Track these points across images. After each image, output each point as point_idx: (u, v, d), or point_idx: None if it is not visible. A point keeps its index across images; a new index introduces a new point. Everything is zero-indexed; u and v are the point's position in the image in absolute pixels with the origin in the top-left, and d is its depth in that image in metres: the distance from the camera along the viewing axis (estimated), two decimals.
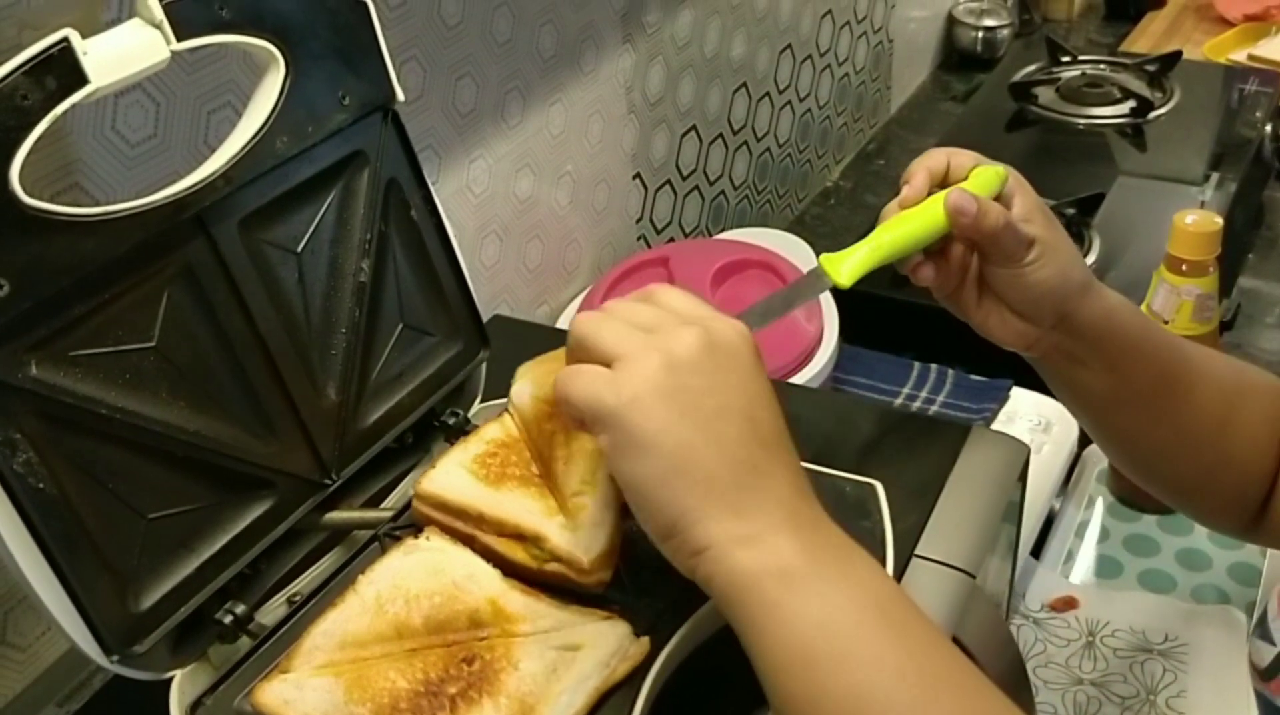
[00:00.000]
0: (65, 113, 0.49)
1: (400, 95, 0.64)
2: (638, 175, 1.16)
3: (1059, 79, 1.57)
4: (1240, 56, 1.69)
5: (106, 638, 0.52)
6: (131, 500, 0.54)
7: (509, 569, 0.56)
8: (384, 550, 0.59)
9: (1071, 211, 1.26)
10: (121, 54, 0.52)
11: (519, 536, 0.56)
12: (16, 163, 0.48)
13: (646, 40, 1.11)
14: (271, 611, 0.60)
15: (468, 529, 0.57)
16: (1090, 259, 1.21)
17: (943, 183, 0.65)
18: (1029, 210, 0.64)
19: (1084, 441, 1.02)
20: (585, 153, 1.07)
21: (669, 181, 1.21)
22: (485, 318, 0.72)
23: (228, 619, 0.58)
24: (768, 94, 1.35)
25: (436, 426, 0.69)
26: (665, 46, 1.15)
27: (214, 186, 0.55)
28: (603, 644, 0.53)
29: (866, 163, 1.58)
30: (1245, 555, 0.97)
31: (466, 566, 0.56)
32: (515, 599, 0.55)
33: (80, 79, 0.50)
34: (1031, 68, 1.61)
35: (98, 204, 0.52)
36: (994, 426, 1.03)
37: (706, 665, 0.55)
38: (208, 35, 0.54)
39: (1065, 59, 1.62)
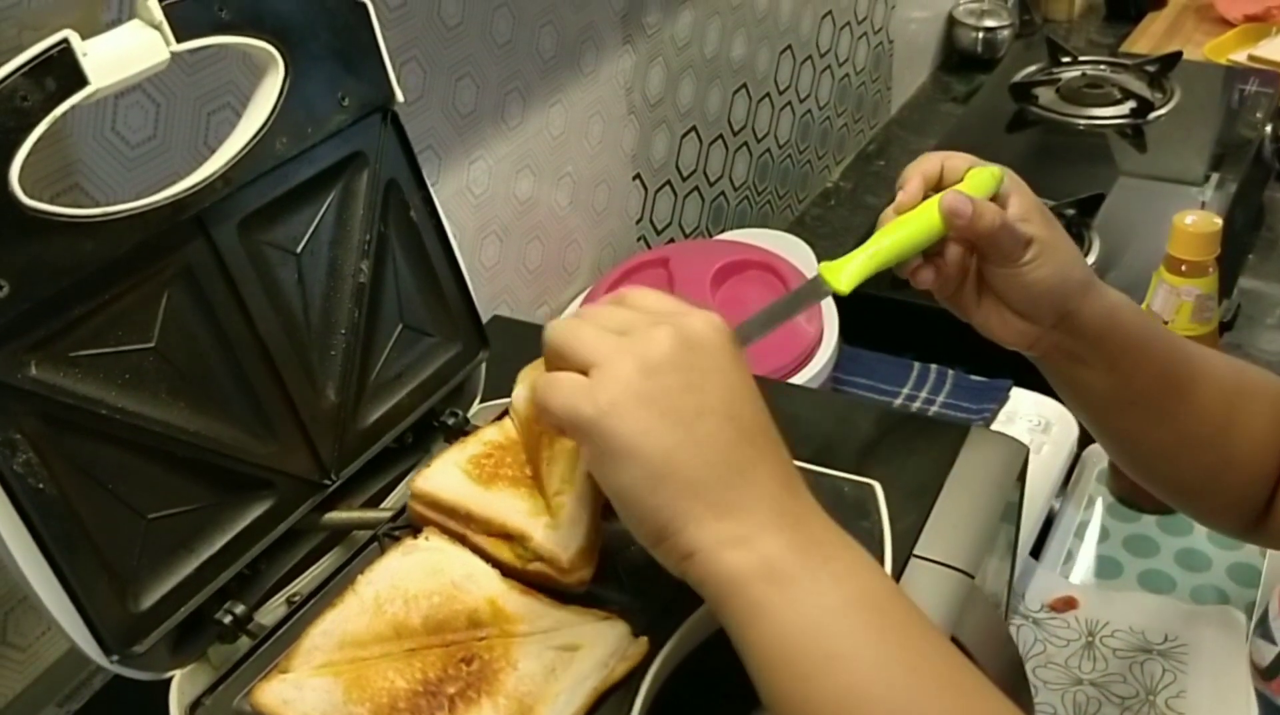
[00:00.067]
0: (65, 114, 0.50)
1: (400, 96, 0.64)
2: (638, 176, 1.16)
3: (1059, 80, 1.57)
4: (1241, 57, 1.69)
5: (106, 638, 0.52)
6: (131, 501, 0.54)
7: (498, 569, 0.56)
8: (383, 550, 0.60)
9: (1072, 212, 1.26)
10: (121, 55, 0.52)
11: (505, 536, 0.56)
12: (16, 164, 0.48)
13: (646, 41, 1.11)
14: (271, 612, 0.60)
15: (458, 527, 0.58)
16: (1090, 259, 1.21)
17: (938, 186, 0.65)
18: (1026, 209, 0.64)
19: (1084, 442, 1.03)
20: (585, 153, 1.08)
21: (669, 182, 1.22)
22: (485, 318, 0.72)
23: (227, 619, 0.58)
24: (768, 95, 1.35)
25: (436, 427, 0.69)
26: (665, 47, 1.15)
27: (213, 187, 0.56)
28: (601, 644, 0.53)
29: (867, 163, 1.59)
30: (1245, 556, 0.97)
31: (465, 567, 0.57)
32: (514, 599, 0.55)
33: (80, 80, 0.50)
34: (1032, 68, 1.61)
35: (98, 205, 0.52)
36: (994, 427, 1.03)
37: (704, 666, 0.55)
38: (207, 36, 0.55)
39: (1066, 60, 1.62)
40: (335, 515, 0.64)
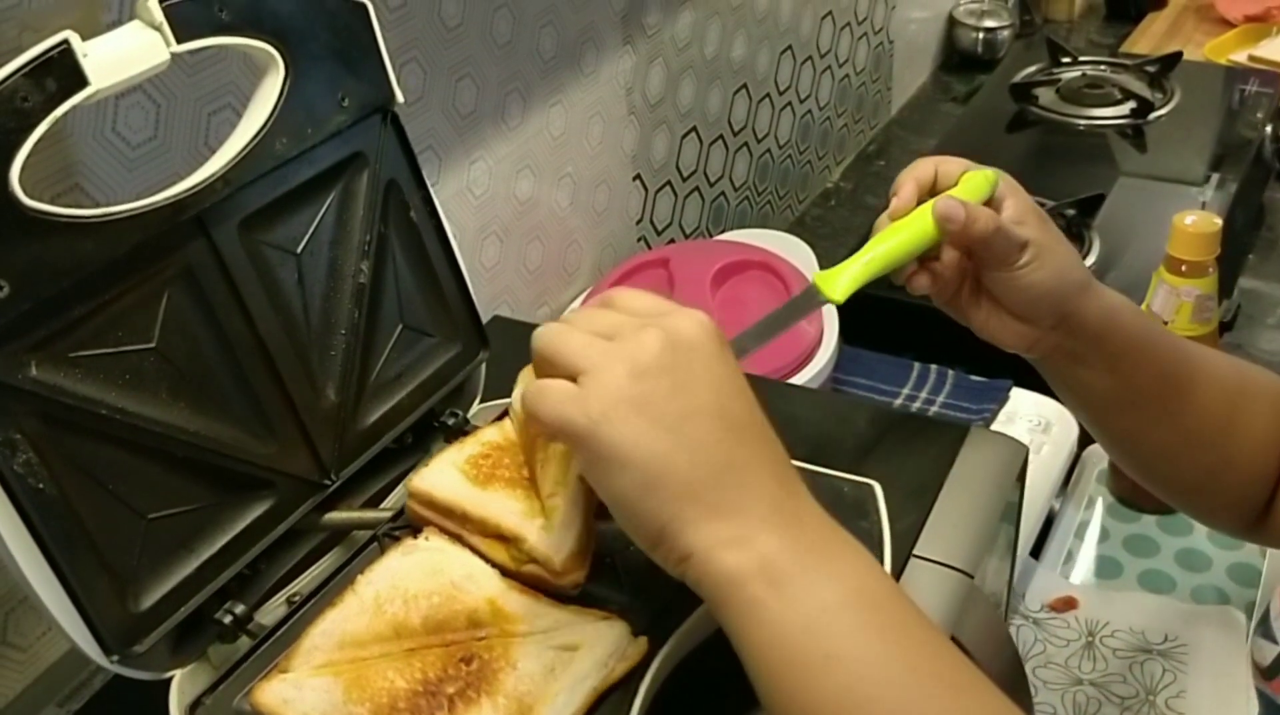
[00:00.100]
0: (65, 114, 0.50)
1: (400, 97, 0.64)
2: (638, 176, 1.16)
3: (1059, 80, 1.57)
4: (1241, 57, 1.69)
5: (106, 638, 0.52)
6: (131, 501, 0.54)
7: (495, 569, 0.57)
8: (383, 551, 0.60)
9: (1072, 212, 1.26)
10: (121, 56, 0.52)
11: (501, 537, 0.56)
12: (17, 164, 0.48)
13: (647, 41, 1.12)
14: (271, 611, 0.60)
15: (455, 528, 0.58)
16: (1091, 260, 1.21)
17: (933, 190, 0.65)
18: (1021, 212, 0.64)
19: (1084, 442, 1.03)
20: (586, 154, 1.08)
21: (669, 182, 1.22)
22: (485, 319, 0.72)
23: (227, 619, 0.58)
24: (768, 95, 1.35)
25: (436, 427, 0.70)
26: (665, 48, 1.15)
27: (214, 188, 0.56)
28: (600, 644, 0.53)
29: (867, 164, 1.59)
30: (1245, 556, 0.97)
31: (465, 567, 0.57)
32: (513, 599, 0.55)
33: (80, 81, 0.50)
34: (1032, 69, 1.61)
35: (98, 205, 0.52)
36: (994, 427, 1.03)
37: (704, 665, 0.55)
38: (207, 37, 0.55)
39: (1066, 60, 1.62)
40: (335, 515, 0.64)
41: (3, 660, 0.67)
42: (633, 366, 0.47)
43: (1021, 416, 1.04)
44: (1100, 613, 0.92)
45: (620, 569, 0.58)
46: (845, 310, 1.03)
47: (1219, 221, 0.93)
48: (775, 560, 0.47)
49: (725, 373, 0.49)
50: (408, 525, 0.61)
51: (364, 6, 0.62)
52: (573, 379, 0.48)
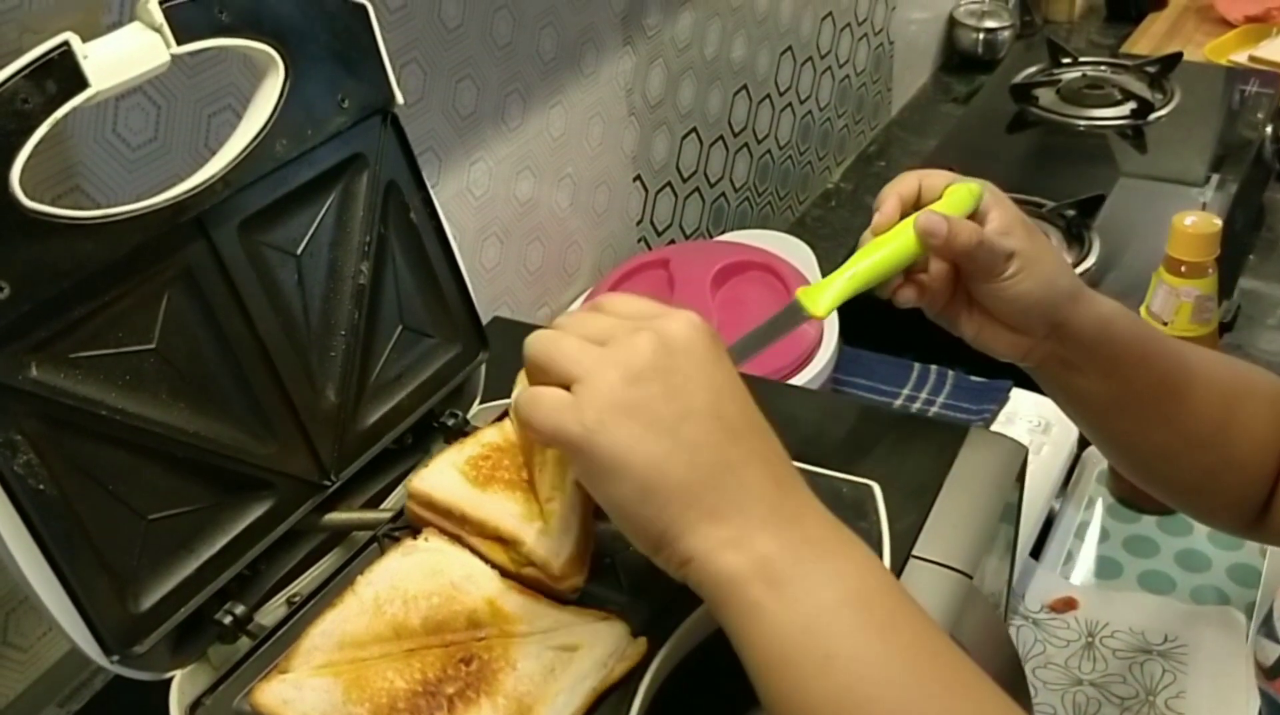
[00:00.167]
0: (66, 116, 0.50)
1: (399, 98, 0.64)
2: (638, 177, 1.16)
3: (1060, 80, 1.57)
4: (1241, 58, 1.69)
5: (107, 638, 0.53)
6: (131, 501, 0.54)
7: (495, 570, 0.57)
8: (383, 551, 0.60)
9: (1072, 213, 1.26)
10: (122, 57, 0.52)
11: (500, 539, 0.56)
12: (17, 166, 0.48)
13: (647, 42, 1.12)
14: (271, 612, 0.60)
15: (453, 529, 0.58)
16: (1091, 260, 1.21)
17: (917, 204, 0.65)
18: (1007, 223, 0.64)
19: (1084, 442, 1.03)
20: (586, 155, 1.08)
21: (669, 183, 1.22)
22: (486, 320, 0.72)
23: (227, 619, 0.58)
24: (768, 96, 1.35)
25: (436, 428, 0.70)
26: (666, 49, 1.15)
27: (214, 189, 0.56)
28: (600, 644, 0.53)
29: (867, 164, 1.59)
30: (1244, 556, 0.97)
31: (464, 567, 0.57)
32: (513, 599, 0.56)
33: (81, 82, 0.50)
34: (1032, 69, 1.61)
35: (98, 207, 0.52)
36: (994, 427, 1.03)
37: (703, 666, 0.55)
38: (207, 39, 0.55)
39: (1066, 60, 1.62)
40: (335, 516, 0.64)
41: (3, 661, 0.67)
42: (626, 372, 0.47)
43: (1021, 417, 1.04)
44: (1100, 613, 0.92)
45: (620, 569, 0.58)
46: (845, 311, 1.03)
47: (1218, 222, 0.93)
48: (773, 561, 0.47)
49: (719, 373, 0.49)
50: (407, 526, 0.61)
51: (364, 7, 0.62)
52: (566, 386, 0.48)
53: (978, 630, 0.64)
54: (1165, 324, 0.96)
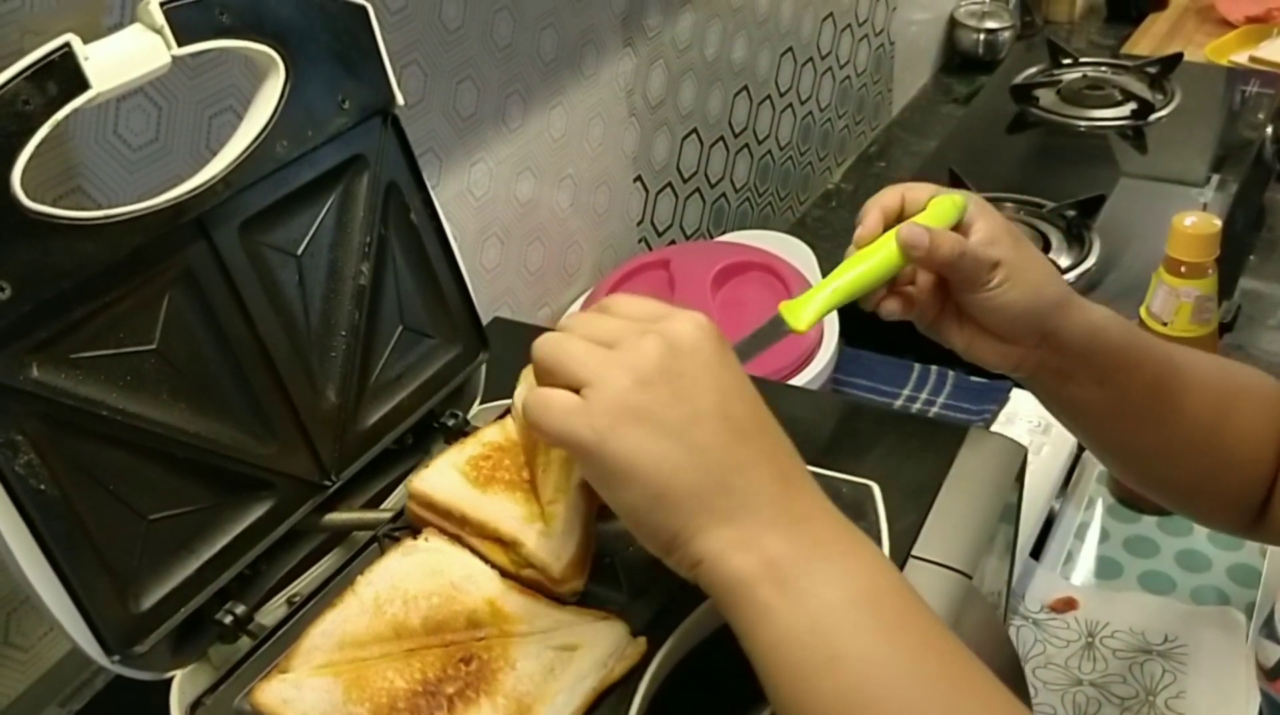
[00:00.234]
0: (67, 117, 0.50)
1: (400, 99, 0.64)
2: (639, 178, 1.16)
3: (1060, 81, 1.57)
4: (1242, 58, 1.69)
5: (107, 638, 0.53)
6: (132, 501, 0.54)
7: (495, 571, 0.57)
8: (383, 551, 0.60)
9: (1073, 213, 1.26)
10: (122, 59, 0.52)
11: (500, 541, 0.56)
12: (18, 167, 0.49)
13: (647, 43, 1.12)
14: (271, 612, 0.61)
15: (454, 529, 0.58)
16: (1091, 261, 1.21)
17: (900, 217, 0.65)
18: (992, 233, 0.64)
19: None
20: (586, 155, 1.08)
21: (670, 184, 1.22)
22: (486, 320, 0.72)
23: (228, 619, 0.58)
24: (769, 97, 1.36)
25: (436, 428, 0.70)
26: (666, 50, 1.15)
27: (214, 190, 0.56)
28: (600, 644, 0.54)
29: (868, 165, 1.59)
30: (1244, 557, 0.97)
31: (465, 567, 0.57)
32: (513, 599, 0.56)
33: (82, 84, 0.50)
34: (1033, 70, 1.61)
35: (99, 207, 0.52)
36: (994, 428, 1.03)
37: (703, 665, 0.55)
38: (208, 40, 0.55)
39: (1066, 61, 1.62)
40: (335, 516, 0.64)
41: (5, 661, 0.67)
42: (635, 375, 0.47)
43: (1021, 417, 1.04)
44: (1100, 613, 0.92)
45: (620, 569, 0.58)
46: (846, 312, 1.04)
47: (1218, 222, 0.93)
48: (782, 562, 0.47)
49: (727, 374, 0.49)
50: (408, 526, 0.61)
51: (364, 9, 0.62)
52: (574, 389, 0.48)
53: (977, 630, 0.64)
54: (1165, 324, 0.96)
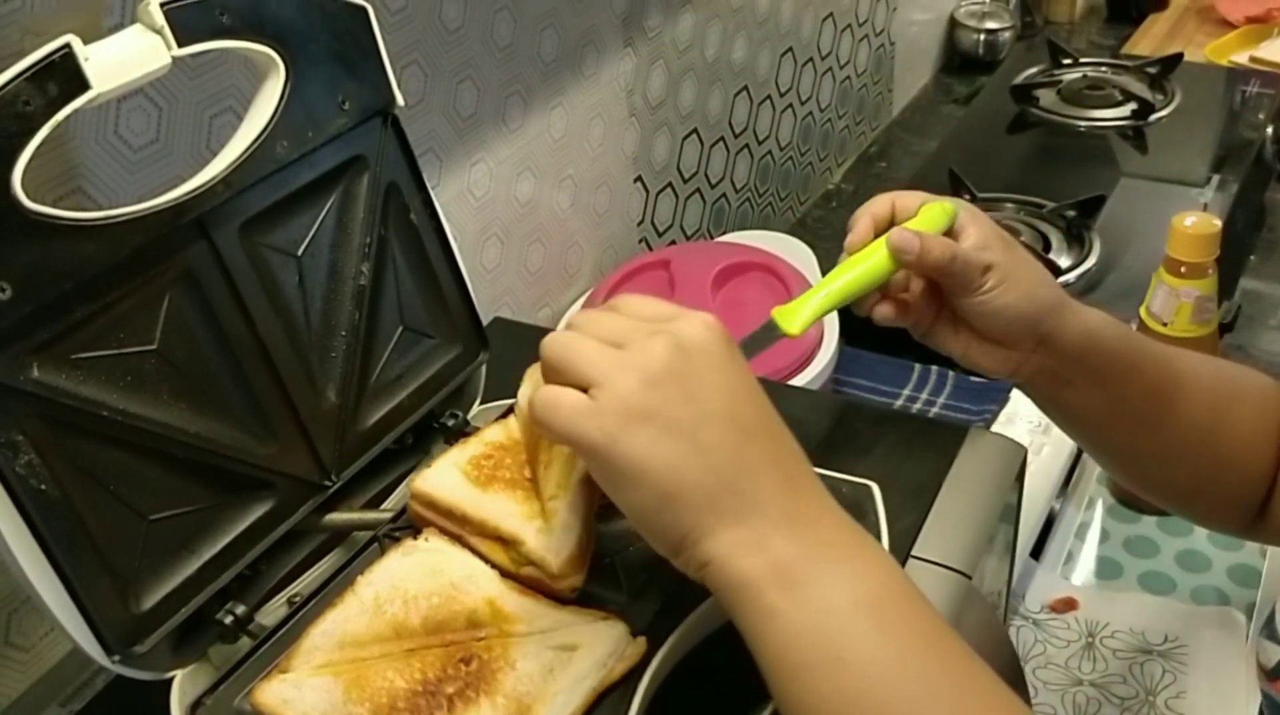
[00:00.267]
0: (67, 118, 0.50)
1: (400, 100, 0.64)
2: (639, 178, 1.17)
3: (1060, 81, 1.57)
4: (1242, 58, 1.69)
5: (108, 638, 0.53)
6: (133, 502, 0.54)
7: (495, 570, 0.57)
8: (383, 551, 0.60)
9: (1073, 213, 1.27)
10: (123, 60, 0.52)
11: (500, 539, 0.56)
12: (19, 168, 0.49)
13: (648, 44, 1.12)
14: (272, 612, 0.61)
15: (455, 529, 0.58)
16: (1091, 261, 1.21)
17: (891, 223, 0.65)
18: (983, 238, 0.64)
19: None
20: (586, 156, 1.08)
21: (670, 184, 1.22)
22: (486, 320, 0.72)
23: (228, 619, 0.58)
24: (769, 97, 1.36)
25: (436, 428, 0.70)
26: (666, 50, 1.15)
27: (215, 191, 0.56)
28: (599, 644, 0.54)
29: (868, 165, 1.59)
30: (1244, 557, 0.97)
31: (465, 567, 0.57)
32: (513, 600, 0.56)
33: (82, 84, 0.50)
34: (1033, 70, 1.61)
35: (100, 208, 0.52)
36: (994, 428, 1.03)
37: (702, 665, 0.55)
38: (208, 41, 0.55)
39: (1067, 61, 1.62)
40: (335, 516, 0.64)
41: (5, 661, 0.67)
42: (644, 376, 0.47)
43: (1022, 417, 1.04)
44: (1100, 613, 0.92)
45: (619, 569, 0.58)
46: (846, 312, 1.04)
47: (1218, 223, 0.93)
48: (788, 563, 0.47)
49: (736, 376, 0.50)
50: (408, 526, 0.61)
51: (364, 9, 0.62)
52: (583, 388, 0.48)
53: (977, 630, 0.64)
54: (1165, 325, 0.96)
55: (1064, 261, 1.21)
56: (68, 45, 0.49)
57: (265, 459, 0.59)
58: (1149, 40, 1.80)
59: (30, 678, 0.68)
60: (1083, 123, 1.49)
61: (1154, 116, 1.48)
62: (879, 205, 0.66)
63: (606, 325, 0.51)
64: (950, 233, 0.64)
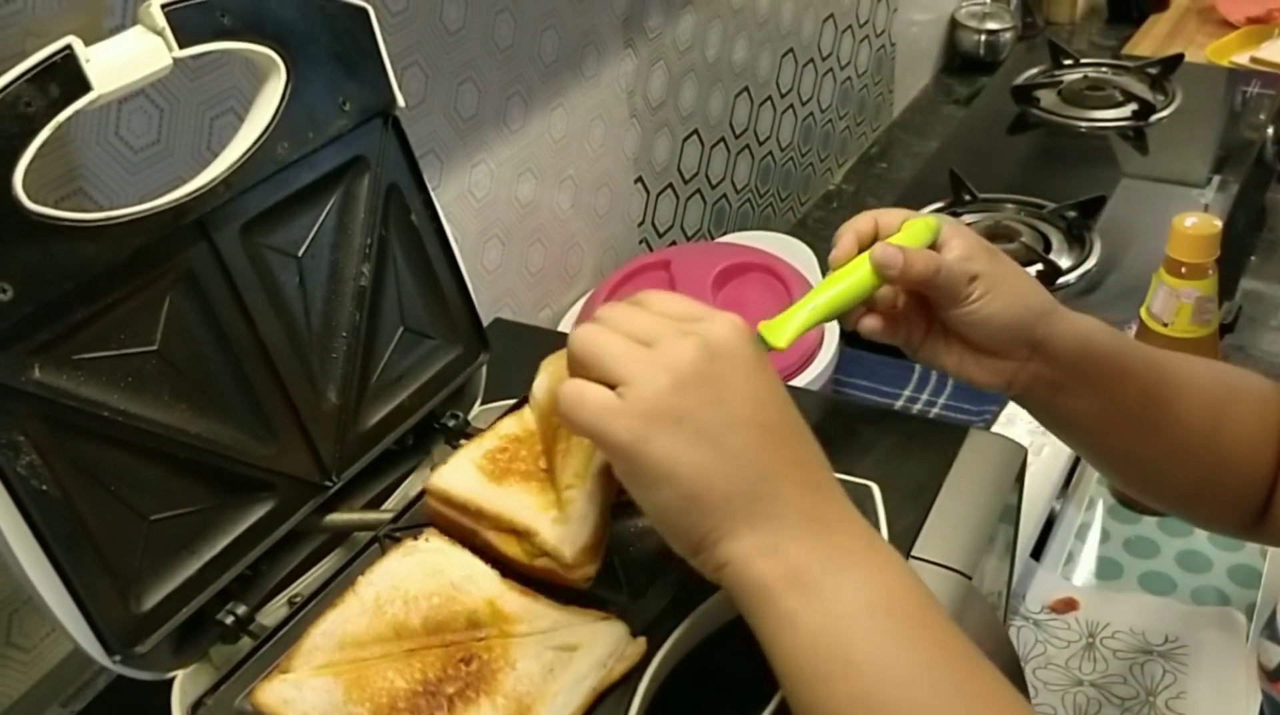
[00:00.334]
0: (69, 119, 0.50)
1: (400, 101, 0.64)
2: (639, 179, 1.17)
3: (1061, 82, 1.57)
4: (1243, 59, 1.69)
5: (109, 638, 0.53)
6: (133, 502, 0.54)
7: (506, 565, 0.57)
8: (384, 552, 0.60)
9: (1073, 214, 1.27)
10: (124, 61, 0.52)
11: (514, 532, 0.56)
12: (20, 169, 0.49)
13: (648, 45, 1.12)
14: (272, 612, 0.61)
15: (471, 523, 0.58)
16: (1092, 261, 1.21)
17: (874, 241, 0.65)
18: (968, 249, 0.64)
19: None
20: (587, 157, 1.08)
21: (671, 185, 1.22)
22: (487, 321, 0.73)
23: (229, 620, 0.58)
24: (770, 98, 1.36)
25: (437, 429, 0.70)
26: (667, 51, 1.15)
27: (215, 192, 0.56)
28: (599, 644, 0.54)
29: (869, 166, 1.59)
30: (1245, 557, 0.97)
31: (465, 568, 0.57)
32: (513, 600, 0.56)
33: (83, 86, 0.50)
34: (1034, 71, 1.61)
35: (101, 209, 0.52)
36: (994, 428, 1.03)
37: (702, 665, 0.55)
38: (209, 42, 0.55)
39: (1067, 62, 1.62)
40: (336, 517, 0.64)
41: (7, 661, 0.67)
42: (673, 377, 0.48)
43: (1022, 418, 1.04)
44: (1101, 614, 0.92)
45: (620, 569, 0.58)
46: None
47: (1218, 223, 0.93)
48: (804, 568, 0.48)
49: (763, 380, 0.50)
50: (409, 526, 0.61)
51: (365, 11, 0.62)
52: (609, 384, 0.48)
53: (977, 631, 0.64)
54: (1166, 325, 0.96)
55: (1064, 262, 1.21)
56: (69, 47, 0.50)
57: (266, 459, 0.60)
58: (1150, 41, 1.80)
59: (31, 678, 0.68)
60: (1083, 123, 1.49)
61: (1155, 117, 1.48)
62: (861, 222, 0.66)
63: (635, 321, 0.51)
64: (934, 247, 0.64)
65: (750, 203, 1.38)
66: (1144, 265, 1.12)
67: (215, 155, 0.57)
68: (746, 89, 1.31)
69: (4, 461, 0.49)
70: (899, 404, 1.09)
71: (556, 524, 0.55)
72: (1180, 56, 1.57)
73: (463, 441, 0.70)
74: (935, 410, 1.08)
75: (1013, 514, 0.75)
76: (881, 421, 0.75)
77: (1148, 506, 1.01)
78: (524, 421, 0.62)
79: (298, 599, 0.61)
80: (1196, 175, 1.35)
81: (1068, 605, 0.94)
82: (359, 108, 0.62)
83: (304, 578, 0.63)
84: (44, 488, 0.50)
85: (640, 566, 0.58)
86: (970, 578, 0.64)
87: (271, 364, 0.60)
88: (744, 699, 0.53)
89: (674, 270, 1.06)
